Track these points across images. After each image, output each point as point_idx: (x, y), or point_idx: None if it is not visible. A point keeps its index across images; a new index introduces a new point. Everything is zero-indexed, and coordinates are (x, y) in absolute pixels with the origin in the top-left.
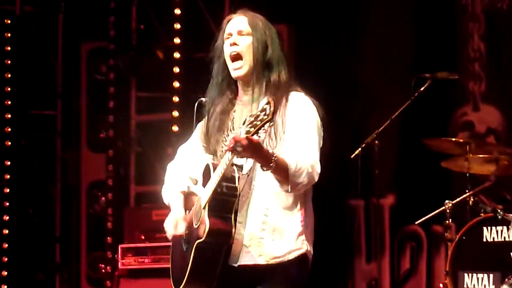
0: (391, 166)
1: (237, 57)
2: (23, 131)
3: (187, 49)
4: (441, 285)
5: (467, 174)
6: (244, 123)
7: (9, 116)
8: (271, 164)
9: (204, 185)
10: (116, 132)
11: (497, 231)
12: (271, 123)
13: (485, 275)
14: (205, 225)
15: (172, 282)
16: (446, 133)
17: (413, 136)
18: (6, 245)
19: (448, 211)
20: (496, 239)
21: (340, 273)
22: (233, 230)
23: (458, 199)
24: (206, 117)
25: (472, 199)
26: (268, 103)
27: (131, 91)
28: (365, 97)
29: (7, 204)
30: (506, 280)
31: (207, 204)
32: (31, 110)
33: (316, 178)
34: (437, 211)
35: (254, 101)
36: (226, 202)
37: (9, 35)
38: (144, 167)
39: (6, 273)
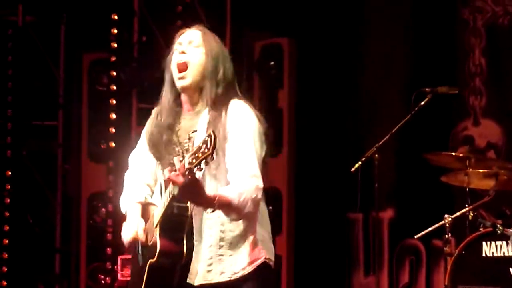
0: (391, 180)
1: (183, 67)
2: (24, 141)
3: None
4: None
5: (467, 189)
6: (189, 138)
7: (10, 126)
8: (214, 207)
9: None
10: (117, 143)
11: (496, 246)
12: (211, 158)
13: None
14: (156, 245)
15: None
16: (447, 148)
17: (413, 150)
18: (6, 255)
19: (447, 225)
20: (495, 254)
21: (338, 286)
22: (184, 250)
23: (457, 214)
24: (150, 128)
25: (471, 214)
26: (209, 135)
27: (132, 103)
28: (366, 111)
29: (8, 214)
30: None
31: (158, 224)
32: (32, 121)
33: (260, 196)
34: (436, 225)
35: (197, 115)
36: (177, 223)
37: (11, 45)
38: None
39: (5, 283)
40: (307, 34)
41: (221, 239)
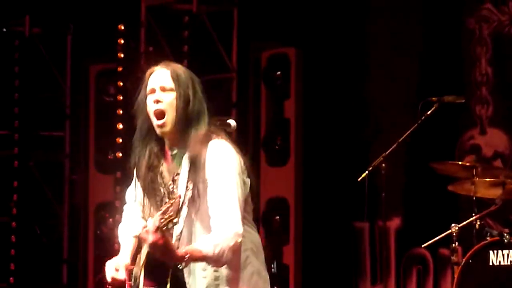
0: (398, 189)
1: (161, 114)
2: (31, 152)
3: (195, 71)
4: None
5: (474, 198)
6: (173, 181)
7: (17, 137)
8: (185, 262)
9: None
10: (125, 154)
11: (503, 255)
12: (176, 223)
13: None
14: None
15: None
16: (453, 157)
17: (420, 160)
18: (13, 266)
19: (454, 234)
20: (502, 263)
21: None
22: None
23: (464, 223)
24: (135, 171)
25: (478, 223)
26: (175, 199)
27: None
28: (372, 120)
29: (15, 224)
30: None
31: (142, 267)
32: (39, 131)
33: (239, 241)
34: (443, 234)
35: (180, 155)
36: (161, 267)
37: (17, 55)
38: None
39: None
40: (314, 44)
41: (216, 278)
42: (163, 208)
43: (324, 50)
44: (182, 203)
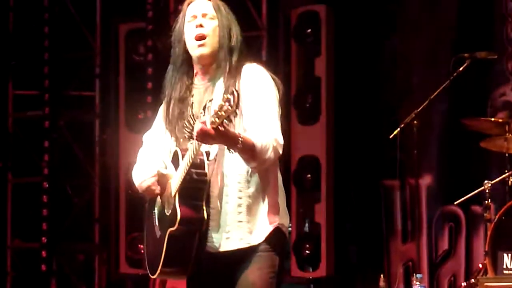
0: (430, 146)
1: (202, 37)
2: (62, 112)
3: None
4: (480, 265)
5: (506, 154)
6: (204, 108)
7: (47, 97)
8: (238, 146)
9: (174, 170)
10: (154, 113)
11: None
12: (235, 115)
13: None
14: (176, 213)
15: (147, 268)
16: (485, 113)
17: (452, 116)
18: (46, 226)
19: (487, 191)
20: None
21: (376, 253)
22: (205, 217)
23: (497, 179)
24: (165, 104)
25: (511, 179)
26: (232, 93)
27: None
28: (404, 77)
29: (46, 185)
30: None
31: (177, 192)
32: (69, 91)
33: (281, 151)
34: (476, 191)
35: (212, 85)
36: (196, 190)
37: (47, 16)
38: None
39: (45, 253)
40: (344, 1)
41: (239, 205)
42: (216, 108)
43: (354, 7)
44: (237, 98)
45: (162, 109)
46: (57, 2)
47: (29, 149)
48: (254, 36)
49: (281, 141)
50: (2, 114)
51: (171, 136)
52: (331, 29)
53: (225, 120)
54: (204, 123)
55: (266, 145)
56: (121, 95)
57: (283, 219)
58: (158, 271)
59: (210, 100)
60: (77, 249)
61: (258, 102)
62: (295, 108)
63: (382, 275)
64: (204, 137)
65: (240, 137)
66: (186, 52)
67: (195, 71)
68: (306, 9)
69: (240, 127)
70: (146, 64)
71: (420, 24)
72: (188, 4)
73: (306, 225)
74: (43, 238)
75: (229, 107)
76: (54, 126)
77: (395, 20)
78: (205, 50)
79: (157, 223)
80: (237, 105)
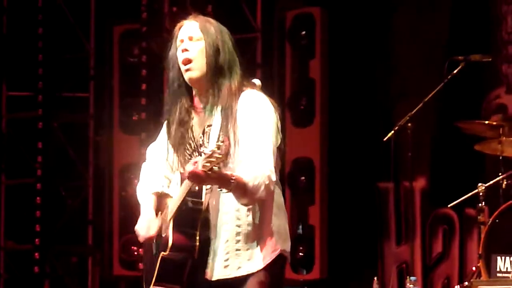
0: (424, 149)
1: (188, 62)
2: (55, 113)
3: None
4: (474, 268)
5: (500, 157)
6: (203, 133)
7: (41, 98)
8: (231, 186)
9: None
10: (149, 115)
11: None
12: (223, 165)
13: None
14: (168, 239)
15: (143, 279)
16: (479, 116)
17: (446, 119)
18: (39, 228)
19: (481, 194)
20: None
21: (370, 255)
22: (197, 245)
23: (491, 182)
24: (166, 126)
25: (505, 182)
26: (223, 141)
27: (163, 74)
28: (398, 79)
29: (40, 186)
30: None
31: (172, 219)
32: (63, 92)
33: (272, 188)
34: (470, 194)
35: (210, 109)
36: (191, 218)
37: (41, 17)
38: None
39: (39, 255)
40: (339, 3)
41: (238, 234)
42: (208, 153)
43: (349, 9)
44: (228, 147)
45: (166, 124)
46: (51, 4)
47: (23, 150)
48: (249, 38)
49: (274, 178)
50: None
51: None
52: (326, 31)
53: (215, 166)
54: (196, 164)
55: (258, 184)
56: (115, 96)
57: (285, 245)
58: (151, 287)
59: (209, 126)
60: (70, 251)
61: (253, 132)
62: (290, 110)
63: (376, 278)
64: (195, 179)
65: (232, 178)
66: (181, 75)
67: (193, 93)
68: (301, 11)
69: (235, 156)
70: (140, 65)
71: (415, 26)
72: (179, 28)
73: (300, 227)
74: (36, 240)
75: (219, 156)
76: (48, 127)
77: (390, 22)
78: (193, 74)
79: (154, 241)
80: (226, 155)
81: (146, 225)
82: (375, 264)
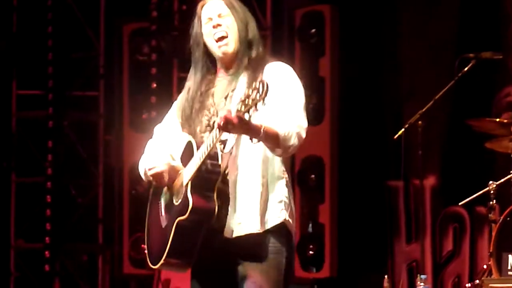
0: (434, 147)
1: (224, 38)
2: (65, 112)
3: None
4: (484, 266)
5: (511, 155)
6: (226, 98)
7: (51, 97)
8: (260, 135)
9: (183, 162)
10: (159, 113)
11: None
12: (263, 103)
13: None
14: (187, 202)
15: (148, 259)
16: (490, 114)
17: (457, 117)
18: (49, 226)
19: (492, 192)
20: None
21: (380, 254)
22: (215, 208)
23: (502, 180)
24: (185, 97)
25: None
26: (261, 82)
27: (173, 72)
28: (407, 77)
29: (50, 185)
30: None
31: (189, 182)
32: (73, 91)
33: (304, 135)
34: (480, 192)
35: (235, 78)
36: (209, 180)
37: (51, 16)
38: None
39: (49, 254)
40: (349, 1)
41: (252, 193)
42: (242, 96)
43: (359, 7)
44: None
45: (177, 104)
46: (60, 2)
47: (33, 149)
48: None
49: (305, 125)
50: (5, 114)
51: (184, 130)
52: (336, 29)
53: (251, 109)
54: (229, 111)
55: (289, 132)
56: (125, 95)
57: (291, 217)
58: (162, 261)
59: (233, 90)
60: (80, 249)
61: (283, 92)
62: None
63: (386, 276)
64: (227, 124)
65: (262, 128)
66: (207, 54)
67: (218, 68)
68: (311, 9)
69: (264, 116)
70: (150, 64)
71: (425, 23)
72: (202, 7)
73: (310, 225)
74: (47, 238)
75: (257, 96)
76: (58, 126)
77: (400, 20)
78: (229, 49)
79: (163, 213)
80: (265, 94)
81: (154, 163)
82: (385, 262)
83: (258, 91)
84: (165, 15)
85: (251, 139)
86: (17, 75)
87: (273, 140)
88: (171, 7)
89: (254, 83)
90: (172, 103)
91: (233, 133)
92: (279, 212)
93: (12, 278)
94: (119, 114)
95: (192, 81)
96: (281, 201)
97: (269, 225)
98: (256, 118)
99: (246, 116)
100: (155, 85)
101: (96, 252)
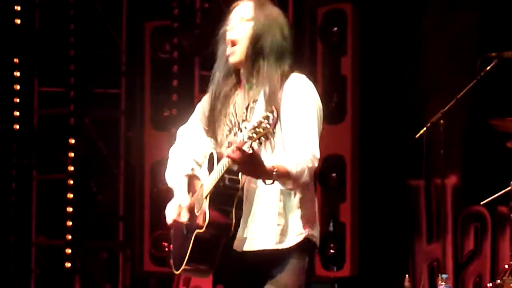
0: (456, 146)
1: (232, 43)
2: (87, 109)
3: None
4: (506, 266)
5: None
6: (247, 108)
7: (73, 94)
8: (273, 179)
9: (208, 170)
10: (180, 111)
11: None
12: (271, 134)
13: None
14: (205, 216)
15: (172, 263)
16: None
17: (479, 116)
18: (70, 223)
19: None
20: None
21: (401, 253)
22: (233, 223)
23: None
24: (209, 98)
25: None
26: (272, 111)
27: (194, 70)
28: (429, 76)
29: (71, 182)
30: None
31: (208, 195)
32: (95, 89)
33: (316, 165)
34: (502, 191)
35: (255, 87)
36: (228, 195)
37: (73, 13)
38: None
39: (70, 251)
40: (370, 0)
41: (269, 207)
42: (255, 124)
43: (381, 6)
44: (276, 118)
45: (201, 105)
46: None
47: (54, 146)
48: None
49: (318, 155)
50: (27, 111)
51: (208, 135)
52: (357, 28)
53: (262, 137)
54: (240, 142)
55: (301, 169)
56: (147, 92)
57: (315, 231)
58: (182, 268)
59: (254, 101)
60: (101, 247)
61: (297, 116)
62: None
63: (407, 275)
64: (237, 157)
65: (274, 170)
66: None
67: (241, 71)
68: (332, 8)
69: (279, 138)
70: (171, 61)
71: (446, 22)
72: (234, 8)
73: (331, 224)
74: (68, 236)
75: (267, 125)
76: (79, 123)
77: (421, 18)
78: (234, 58)
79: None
80: (275, 125)
81: (179, 210)
82: (406, 261)
83: (268, 120)
84: (187, 13)
85: (264, 181)
86: (39, 72)
87: (284, 179)
88: (193, 5)
89: (266, 112)
90: (194, 101)
91: (243, 169)
92: (304, 228)
93: (33, 275)
94: (141, 112)
95: (215, 81)
96: (304, 216)
97: (291, 242)
98: (267, 154)
99: (255, 145)
100: (176, 82)
101: (116, 250)
